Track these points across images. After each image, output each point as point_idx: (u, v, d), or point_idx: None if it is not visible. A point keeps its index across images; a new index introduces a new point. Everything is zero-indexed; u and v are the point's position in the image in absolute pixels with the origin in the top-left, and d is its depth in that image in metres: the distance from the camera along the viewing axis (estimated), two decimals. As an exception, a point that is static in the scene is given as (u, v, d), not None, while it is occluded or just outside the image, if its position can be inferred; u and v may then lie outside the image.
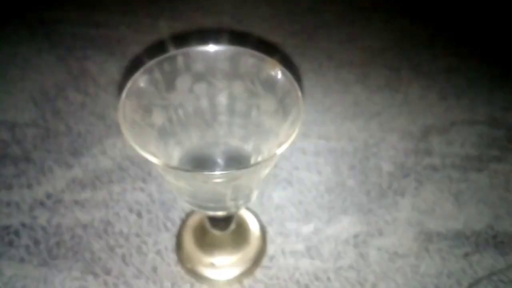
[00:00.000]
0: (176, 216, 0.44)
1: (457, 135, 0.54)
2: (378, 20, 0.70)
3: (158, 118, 0.31)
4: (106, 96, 0.55)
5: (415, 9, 0.73)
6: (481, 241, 0.44)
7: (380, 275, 0.41)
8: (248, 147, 0.33)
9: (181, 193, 0.31)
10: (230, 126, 0.33)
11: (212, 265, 0.39)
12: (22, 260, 0.40)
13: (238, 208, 0.32)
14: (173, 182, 0.29)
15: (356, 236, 0.43)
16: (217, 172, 0.26)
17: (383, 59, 0.63)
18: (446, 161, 0.51)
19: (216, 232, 0.39)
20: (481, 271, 0.41)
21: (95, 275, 0.40)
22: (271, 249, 0.42)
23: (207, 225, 0.39)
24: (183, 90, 0.31)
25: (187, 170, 0.29)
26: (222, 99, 0.32)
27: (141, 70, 0.29)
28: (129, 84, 0.28)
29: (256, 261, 0.40)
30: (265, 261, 0.41)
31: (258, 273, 0.40)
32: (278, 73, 0.29)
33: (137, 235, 0.42)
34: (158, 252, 0.41)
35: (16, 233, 0.42)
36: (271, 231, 0.43)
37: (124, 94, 0.28)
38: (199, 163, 0.34)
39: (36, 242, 0.41)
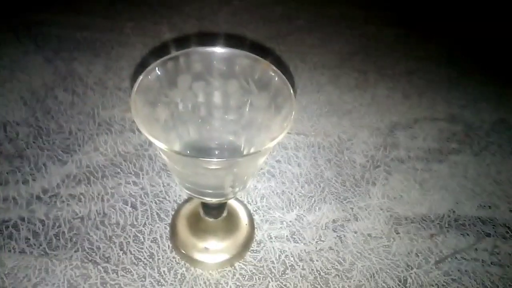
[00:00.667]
0: (169, 207, 0.47)
1: (420, 131, 0.59)
2: (346, 27, 0.76)
3: (162, 113, 0.34)
4: (94, 96, 0.57)
5: (378, 17, 0.79)
6: (445, 224, 0.49)
7: (357, 255, 0.45)
8: (241, 140, 0.37)
9: (184, 180, 0.34)
10: (225, 121, 0.37)
11: (205, 249, 0.43)
12: (22, 251, 0.42)
13: (234, 194, 0.36)
14: (179, 170, 0.33)
15: (334, 221, 0.48)
16: (222, 159, 0.29)
17: (352, 63, 0.69)
18: (411, 154, 0.56)
19: (209, 219, 0.43)
20: (446, 250, 0.47)
21: (95, 263, 0.42)
22: (258, 234, 0.46)
23: (201, 213, 0.43)
24: (183, 88, 0.35)
25: (199, 158, 0.32)
26: (218, 96, 0.36)
27: (148, 69, 0.32)
28: (137, 82, 0.31)
29: (246, 245, 0.44)
30: (253, 246, 0.45)
31: (248, 256, 0.44)
32: (271, 73, 0.33)
33: (133, 226, 0.45)
34: (154, 240, 0.44)
35: (15, 226, 0.44)
36: (257, 219, 0.47)
37: (134, 90, 0.31)
38: (198, 154, 0.37)
39: (35, 235, 0.43)
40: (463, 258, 0.46)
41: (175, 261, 0.43)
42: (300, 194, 0.50)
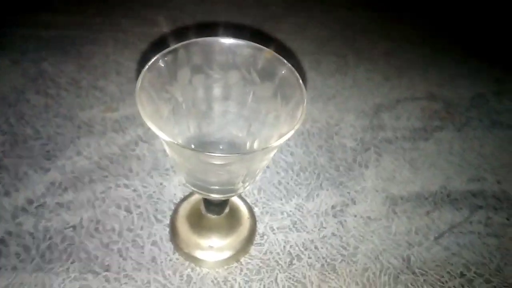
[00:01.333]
0: (165, 207, 0.45)
1: (403, 110, 0.60)
2: (321, 11, 0.75)
3: (164, 108, 0.32)
4: (69, 97, 0.54)
5: (351, 1, 0.79)
6: (438, 200, 0.50)
7: (359, 238, 0.45)
8: (248, 133, 0.36)
9: (193, 177, 0.32)
10: (229, 114, 0.35)
11: (210, 248, 0.41)
12: (14, 268, 0.39)
13: (244, 189, 0.34)
14: (188, 167, 0.31)
15: (333, 207, 0.48)
16: (238, 153, 0.28)
17: (330, 47, 0.68)
18: (398, 134, 0.57)
19: (212, 216, 0.41)
20: (443, 226, 0.48)
21: (95, 273, 0.40)
22: (260, 227, 0.45)
23: (203, 210, 0.41)
24: (183, 82, 0.33)
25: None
26: (220, 89, 0.34)
27: (149, 63, 0.30)
28: (140, 77, 0.29)
29: (249, 239, 0.43)
30: (257, 239, 0.44)
31: (252, 250, 0.43)
32: (276, 62, 0.32)
33: (130, 230, 0.43)
34: (154, 243, 0.42)
35: (3, 242, 0.41)
36: (257, 211, 0.46)
37: (138, 86, 0.29)
38: (215, 151, 0.36)
39: (26, 249, 0.41)
40: (460, 232, 0.47)
41: (179, 262, 0.41)
42: (296, 182, 0.49)
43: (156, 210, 0.45)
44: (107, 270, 0.40)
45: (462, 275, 0.44)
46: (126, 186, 0.46)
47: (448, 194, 0.51)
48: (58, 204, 0.44)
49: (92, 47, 0.61)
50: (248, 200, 0.47)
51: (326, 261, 0.43)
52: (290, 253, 0.43)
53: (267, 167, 0.50)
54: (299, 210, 0.47)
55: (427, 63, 0.68)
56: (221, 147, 0.36)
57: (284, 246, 0.44)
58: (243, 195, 0.47)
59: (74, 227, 0.43)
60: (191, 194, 0.46)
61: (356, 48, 0.69)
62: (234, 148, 0.36)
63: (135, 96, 0.28)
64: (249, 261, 0.42)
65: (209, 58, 0.33)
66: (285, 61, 0.33)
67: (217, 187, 0.34)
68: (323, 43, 0.68)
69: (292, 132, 0.28)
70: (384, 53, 0.69)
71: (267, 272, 0.42)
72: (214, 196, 0.35)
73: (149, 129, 0.52)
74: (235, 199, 0.45)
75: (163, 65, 0.31)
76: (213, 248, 0.41)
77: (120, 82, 0.57)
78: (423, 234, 0.47)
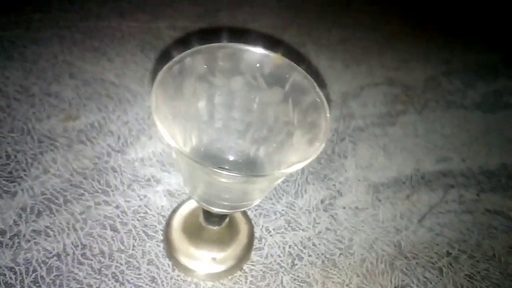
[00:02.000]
0: (154, 221, 0.42)
1: (368, 97, 0.62)
2: (275, 0, 0.74)
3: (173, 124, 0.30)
4: (21, 107, 0.48)
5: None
6: (414, 183, 0.52)
7: (352, 229, 0.46)
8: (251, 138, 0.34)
9: (206, 193, 0.30)
10: (234, 121, 0.33)
11: (213, 260, 0.40)
12: (-4, 312, 0.35)
13: (253, 204, 0.33)
14: (202, 184, 0.29)
15: (322, 201, 0.48)
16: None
17: (288, 36, 0.68)
18: (367, 121, 0.58)
19: (213, 228, 0.39)
20: (422, 208, 0.50)
21: (91, 303, 0.36)
22: (257, 230, 0.44)
23: (203, 222, 0.39)
24: (188, 93, 0.30)
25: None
26: (227, 98, 0.32)
27: (159, 78, 0.27)
28: (155, 91, 0.26)
29: (249, 245, 0.42)
30: (255, 243, 0.43)
31: (253, 255, 0.42)
32: (288, 67, 0.31)
33: (121, 251, 0.40)
34: (150, 262, 0.40)
35: (-23, 284, 0.36)
36: (251, 215, 0.45)
37: (153, 106, 0.26)
38: (214, 162, 0.33)
39: (9, 286, 0.36)
40: (439, 212, 0.50)
41: (181, 279, 0.39)
42: (283, 180, 0.49)
43: (145, 225, 0.42)
44: (104, 299, 0.37)
45: (448, 253, 0.46)
46: (107, 203, 0.43)
47: (422, 176, 0.53)
48: (35, 232, 0.39)
49: (36, 47, 0.55)
50: (240, 204, 0.45)
51: (325, 256, 0.43)
52: (290, 254, 0.43)
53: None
54: (290, 208, 0.46)
55: (381, 49, 0.70)
56: (231, 159, 0.34)
57: (283, 247, 0.43)
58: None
59: (58, 255, 0.38)
60: (180, 205, 0.43)
61: (314, 36, 0.69)
62: (243, 159, 0.34)
63: (152, 117, 0.26)
64: (252, 267, 0.41)
65: (213, 65, 0.31)
66: (297, 66, 0.31)
67: (227, 203, 0.32)
68: (280, 33, 0.67)
69: (322, 147, 0.27)
70: (341, 40, 0.70)
71: (271, 276, 0.41)
72: (223, 211, 0.33)
73: (120, 137, 0.49)
74: (229, 205, 0.43)
75: (170, 77, 0.28)
76: (215, 260, 0.40)
77: (76, 86, 0.52)
78: (408, 218, 0.49)
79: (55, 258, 0.38)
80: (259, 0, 0.73)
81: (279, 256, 0.42)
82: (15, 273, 0.37)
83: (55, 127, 0.47)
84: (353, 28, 0.72)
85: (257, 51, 0.31)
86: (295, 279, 0.41)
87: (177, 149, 0.25)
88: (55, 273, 0.37)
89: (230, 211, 0.35)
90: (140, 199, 0.44)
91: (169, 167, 0.47)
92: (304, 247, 0.44)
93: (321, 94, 0.30)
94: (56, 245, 0.39)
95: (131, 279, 0.38)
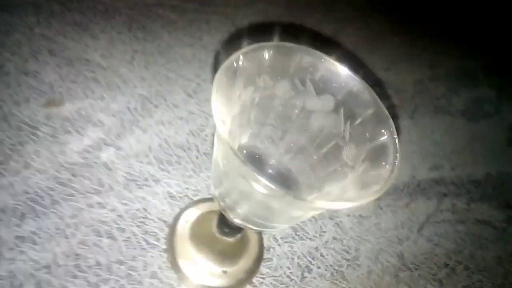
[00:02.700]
0: (155, 227, 0.38)
1: (362, 98, 0.60)
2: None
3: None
4: (-7, 88, 0.41)
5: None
6: (411, 191, 0.52)
7: (357, 239, 0.45)
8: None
9: (251, 213, 0.27)
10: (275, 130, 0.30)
11: (223, 273, 0.36)
12: (-24, 337, 0.29)
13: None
14: (252, 203, 0.26)
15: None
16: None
17: (271, 33, 0.64)
18: (363, 123, 0.57)
19: (227, 239, 0.36)
20: (420, 217, 0.50)
21: (88, 324, 0.32)
22: (264, 239, 0.41)
23: (216, 233, 0.35)
24: (238, 95, 0.27)
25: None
26: (275, 102, 0.29)
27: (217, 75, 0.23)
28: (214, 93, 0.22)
29: (260, 256, 0.39)
30: (264, 254, 0.40)
31: (262, 267, 0.39)
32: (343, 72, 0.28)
33: (120, 262, 0.35)
34: (153, 275, 0.35)
35: (-50, 304, 0.30)
36: (257, 222, 0.42)
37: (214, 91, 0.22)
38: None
39: (-10, 307, 0.30)
40: (436, 221, 0.50)
41: (188, 294, 0.36)
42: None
43: (146, 232, 0.37)
44: (103, 318, 0.32)
45: (446, 265, 0.46)
46: (101, 205, 0.38)
47: (418, 184, 0.53)
48: (19, 238, 0.34)
49: (8, 17, 0.47)
50: (246, 210, 0.42)
51: (334, 268, 0.42)
52: (299, 265, 0.40)
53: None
54: (297, 215, 0.44)
55: (370, 49, 0.68)
56: (270, 171, 0.31)
57: (292, 258, 0.41)
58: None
59: (47, 267, 0.33)
60: (184, 209, 0.39)
61: (299, 32, 0.66)
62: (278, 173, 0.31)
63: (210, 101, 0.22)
64: (262, 280, 0.38)
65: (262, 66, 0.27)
66: (355, 75, 0.28)
67: (256, 219, 0.28)
68: (266, 30, 0.64)
69: (392, 179, 0.24)
70: (333, 34, 0.67)
71: (282, 290, 0.38)
72: (247, 225, 0.30)
73: (111, 129, 0.43)
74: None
75: (225, 77, 0.24)
76: (226, 273, 0.36)
77: (57, 65, 0.45)
78: (408, 228, 0.48)
79: (44, 270, 0.33)
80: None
81: (289, 268, 0.40)
82: (-2, 289, 0.31)
83: (36, 113, 0.41)
84: (342, 24, 0.70)
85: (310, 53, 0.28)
86: (306, 293, 0.39)
87: (231, 147, 0.21)
88: (45, 289, 0.32)
89: (253, 227, 0.32)
90: (139, 202, 0.39)
91: (168, 165, 0.42)
92: (313, 258, 0.41)
93: (384, 109, 0.27)
94: (45, 255, 0.34)
95: (134, 295, 0.34)
